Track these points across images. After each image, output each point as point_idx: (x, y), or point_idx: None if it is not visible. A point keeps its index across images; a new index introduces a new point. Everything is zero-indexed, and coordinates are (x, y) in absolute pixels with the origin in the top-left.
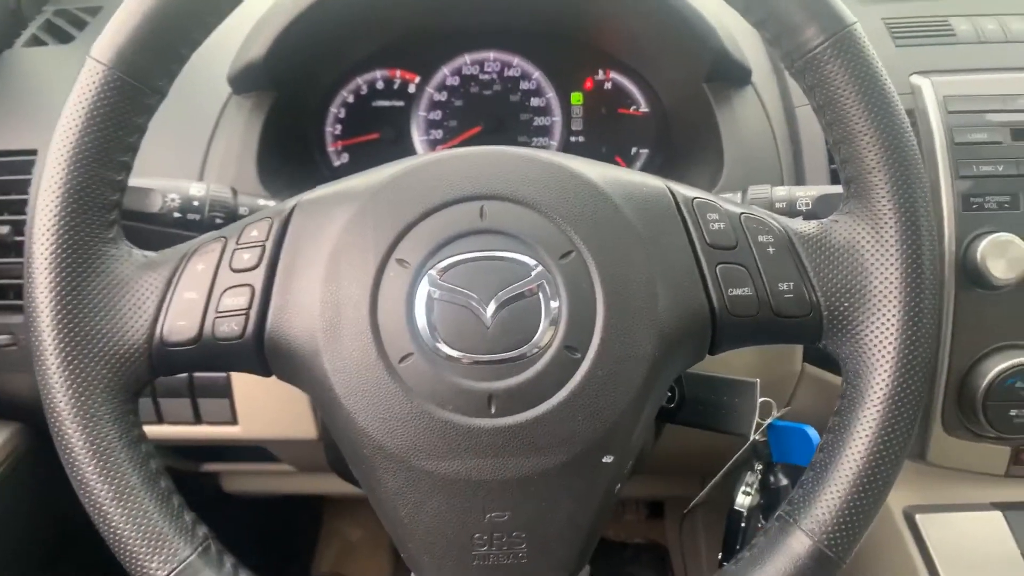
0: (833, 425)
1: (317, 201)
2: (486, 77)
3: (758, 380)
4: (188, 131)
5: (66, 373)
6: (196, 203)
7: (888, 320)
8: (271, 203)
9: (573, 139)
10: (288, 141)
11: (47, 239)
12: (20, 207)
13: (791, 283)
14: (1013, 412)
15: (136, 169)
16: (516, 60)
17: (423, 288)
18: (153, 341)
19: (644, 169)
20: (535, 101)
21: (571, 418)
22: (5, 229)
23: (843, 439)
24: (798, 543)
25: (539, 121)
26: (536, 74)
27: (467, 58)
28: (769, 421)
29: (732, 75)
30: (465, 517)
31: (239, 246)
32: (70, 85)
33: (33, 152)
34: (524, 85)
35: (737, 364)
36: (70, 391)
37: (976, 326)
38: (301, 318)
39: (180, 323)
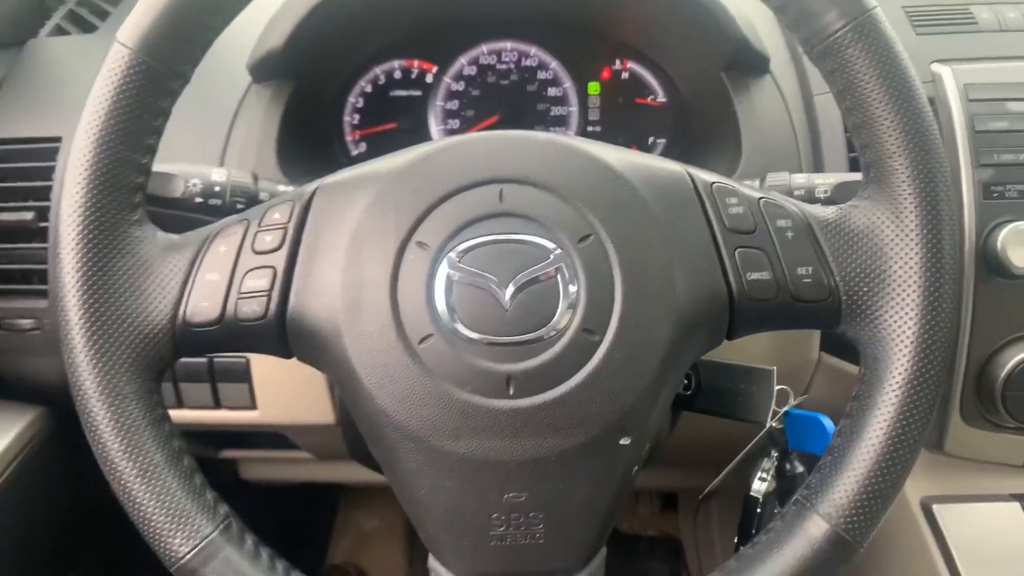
0: (851, 410)
1: (338, 184)
2: (503, 67)
3: (775, 368)
4: (209, 118)
5: (92, 352)
6: (218, 188)
7: (907, 305)
8: (291, 189)
9: (590, 129)
10: (307, 130)
11: (74, 220)
12: (45, 193)
13: (810, 267)
14: None
15: (158, 155)
16: (533, 50)
17: (443, 270)
18: (177, 322)
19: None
20: (552, 91)
21: (589, 400)
22: (30, 215)
23: (861, 424)
24: (815, 527)
25: (556, 111)
26: (553, 64)
27: (484, 48)
28: (786, 409)
29: (751, 64)
30: (483, 498)
31: (261, 228)
32: (93, 74)
33: (57, 139)
34: (541, 75)
35: (754, 352)
36: (96, 369)
37: (996, 315)
38: (322, 299)
39: (203, 304)
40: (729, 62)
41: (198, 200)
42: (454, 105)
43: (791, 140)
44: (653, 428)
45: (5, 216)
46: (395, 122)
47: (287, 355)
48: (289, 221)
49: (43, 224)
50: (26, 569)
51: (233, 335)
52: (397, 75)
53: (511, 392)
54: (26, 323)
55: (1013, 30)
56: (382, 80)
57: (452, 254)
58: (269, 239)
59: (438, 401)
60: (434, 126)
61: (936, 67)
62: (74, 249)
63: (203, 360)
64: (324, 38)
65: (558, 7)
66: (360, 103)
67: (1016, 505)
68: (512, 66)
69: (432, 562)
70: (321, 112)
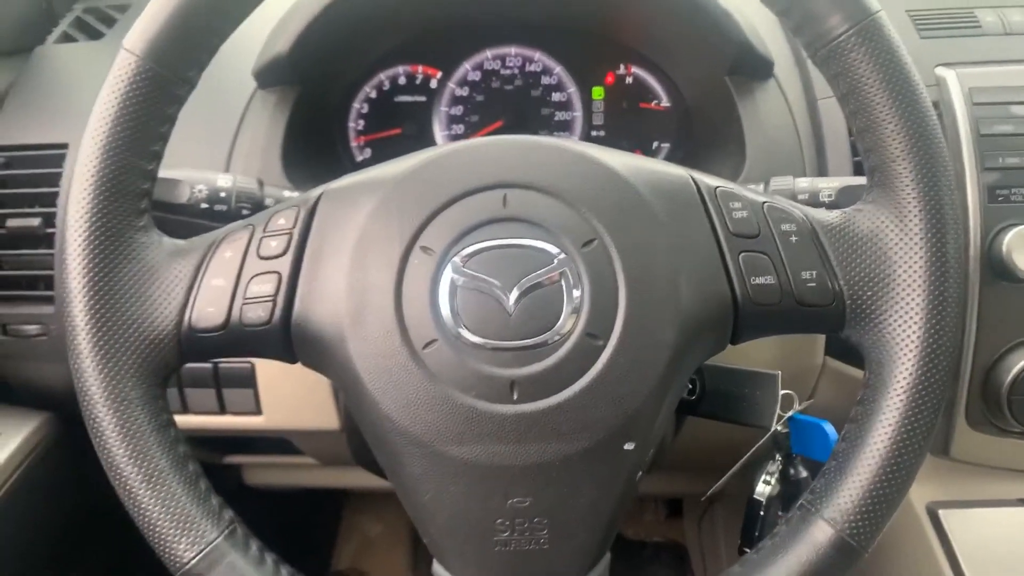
0: (856, 415)
1: (343, 190)
2: (507, 72)
3: (779, 372)
4: (215, 124)
5: (98, 357)
6: (223, 194)
7: (912, 309)
8: (296, 194)
9: (594, 133)
10: (312, 135)
11: (80, 225)
12: (51, 200)
13: (814, 272)
14: None
15: (164, 161)
16: (537, 55)
17: (447, 275)
18: (182, 327)
19: None
20: (556, 96)
21: (593, 405)
22: (36, 221)
23: (866, 428)
24: (820, 532)
25: (560, 116)
26: (557, 69)
27: (488, 53)
28: (790, 414)
29: (755, 68)
30: (487, 502)
31: (266, 234)
32: (100, 80)
33: (64, 146)
34: (545, 80)
35: (758, 357)
36: (101, 375)
37: (1001, 320)
38: (327, 304)
39: (208, 309)
40: (733, 66)
41: (204, 206)
42: (458, 110)
43: (795, 144)
44: (657, 433)
45: (12, 222)
46: (400, 128)
47: (292, 360)
48: (294, 226)
49: (49, 230)
50: (30, 573)
51: (238, 340)
52: (402, 81)
53: (515, 397)
54: (32, 329)
55: (1017, 33)
56: (387, 86)
57: (456, 259)
58: (274, 244)
59: (442, 406)
60: (438, 131)
61: (940, 71)
62: (80, 255)
63: (208, 365)
64: (329, 44)
65: (562, 12)
66: (365, 109)
67: (1022, 510)
68: (516, 71)
69: (436, 567)
70: (326, 118)
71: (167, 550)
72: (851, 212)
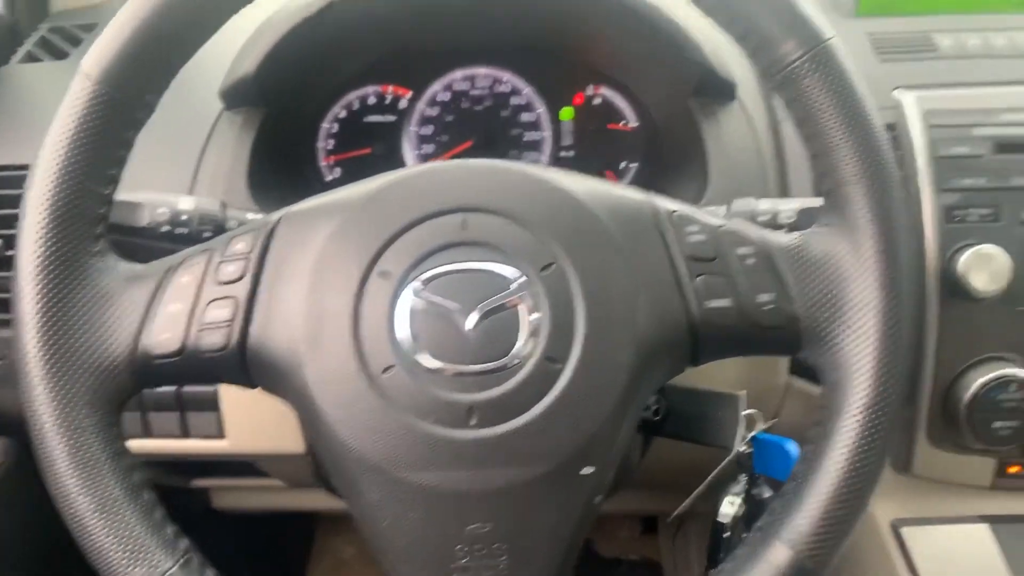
0: (813, 436)
1: (301, 214)
2: (477, 92)
3: (743, 393)
4: (179, 146)
5: (49, 384)
6: (184, 217)
7: (865, 331)
8: (260, 217)
9: (563, 154)
10: (280, 156)
11: (33, 251)
12: (12, 222)
13: (770, 294)
14: (997, 424)
15: (126, 183)
16: (507, 76)
17: (405, 300)
18: (136, 354)
19: (633, 183)
20: (525, 116)
21: (552, 429)
22: None
23: (822, 450)
24: (777, 553)
25: (529, 136)
26: (527, 90)
27: (459, 74)
28: (753, 433)
29: (717, 90)
30: (446, 528)
31: (224, 259)
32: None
33: (26, 167)
34: (514, 100)
35: (722, 376)
36: (53, 403)
37: (960, 338)
38: (284, 330)
39: (164, 336)
40: (696, 88)
41: (165, 229)
42: (428, 130)
43: (759, 165)
44: (617, 456)
45: None
46: (369, 147)
47: (251, 385)
48: (252, 251)
49: (10, 252)
50: None
51: (194, 366)
52: (372, 100)
53: (473, 422)
54: None
55: (974, 57)
56: (356, 106)
57: (415, 283)
58: (232, 269)
59: (400, 432)
60: (408, 151)
61: (899, 93)
62: (32, 280)
63: (171, 389)
64: (297, 65)
65: (531, 34)
66: (334, 129)
67: (984, 526)
68: (486, 92)
69: None
70: (294, 138)
71: None
72: (807, 235)
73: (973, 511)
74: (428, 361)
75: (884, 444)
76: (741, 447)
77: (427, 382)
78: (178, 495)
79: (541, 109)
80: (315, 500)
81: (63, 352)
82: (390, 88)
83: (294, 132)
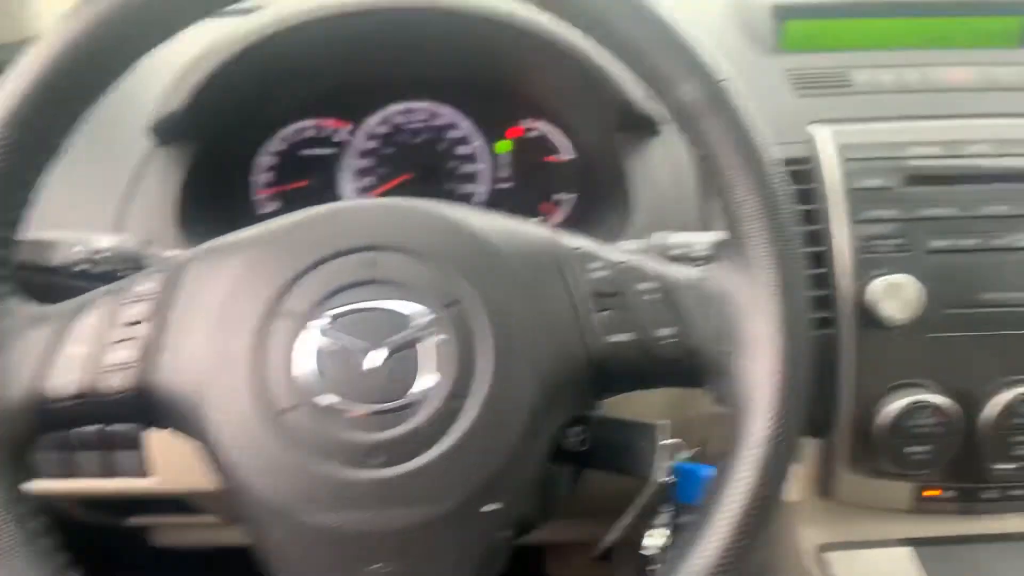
0: (717, 468)
1: (209, 252)
2: (415, 126)
3: (663, 422)
4: (107, 182)
5: None
6: (102, 256)
7: (762, 365)
8: (170, 255)
9: (501, 186)
10: (213, 191)
11: None
12: None
13: (671, 329)
14: (912, 449)
15: (50, 221)
16: (445, 109)
17: (309, 339)
18: (34, 398)
19: (571, 214)
20: (462, 149)
21: (454, 467)
22: None
23: (721, 483)
24: None
25: (467, 168)
26: (464, 123)
27: (397, 107)
28: (674, 463)
29: (640, 125)
30: (349, 569)
31: (131, 299)
32: None
33: None
34: (452, 134)
35: (649, 404)
36: None
37: (876, 366)
38: (186, 371)
39: (63, 378)
40: (621, 124)
41: (80, 268)
42: (367, 163)
43: (681, 199)
44: (525, 491)
45: None
46: (307, 180)
47: (158, 427)
48: (159, 291)
49: None
50: None
51: (97, 409)
52: (310, 134)
53: (376, 462)
54: None
55: (888, 92)
56: (293, 139)
57: (319, 322)
58: (136, 310)
59: (301, 474)
60: (346, 184)
61: (814, 128)
62: None
63: (94, 427)
64: (231, 99)
65: (468, 68)
66: (271, 162)
67: (906, 549)
68: (424, 125)
69: None
70: (229, 173)
71: None
72: (708, 270)
73: (895, 534)
74: (331, 400)
75: (781, 478)
76: (664, 477)
77: (329, 422)
78: (115, 535)
79: (478, 142)
80: None
81: None
82: (327, 121)
83: (228, 166)
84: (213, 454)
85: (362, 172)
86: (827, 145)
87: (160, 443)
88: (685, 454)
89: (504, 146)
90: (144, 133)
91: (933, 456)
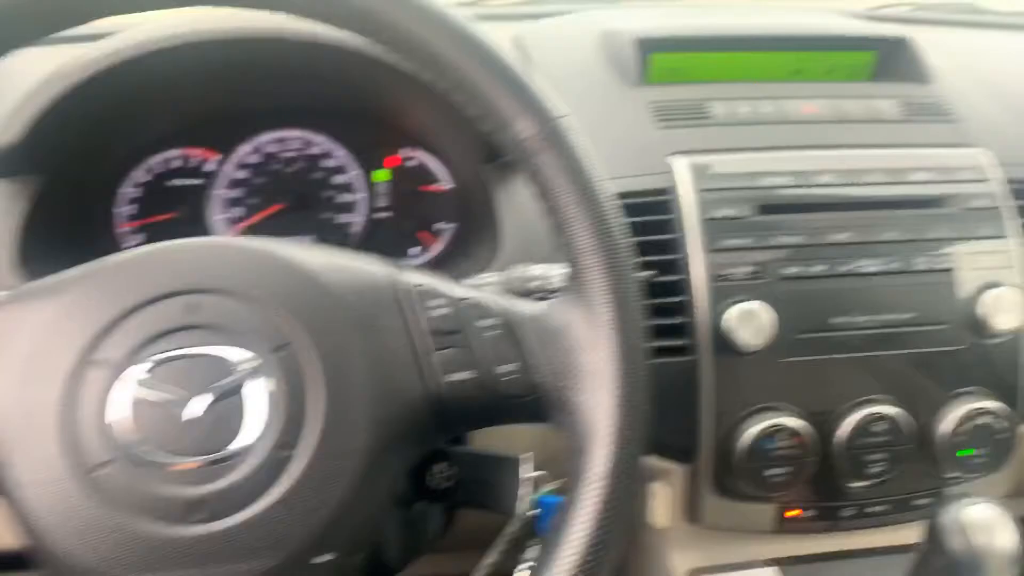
0: (562, 503)
1: (19, 297)
2: (289, 154)
3: (527, 455)
4: None
5: None
6: None
7: (601, 400)
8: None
9: (378, 215)
10: (69, 226)
11: None
12: None
13: (512, 365)
14: (769, 472)
15: None
16: (319, 138)
17: (124, 389)
18: None
19: (448, 244)
20: (339, 178)
21: (283, 519)
22: None
23: (564, 518)
24: None
25: (343, 198)
26: (340, 152)
27: (269, 136)
28: (537, 496)
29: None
30: None
31: None
32: None
33: None
34: (327, 163)
35: (519, 436)
36: None
37: (734, 391)
38: None
39: None
40: (487, 155)
41: None
42: (237, 193)
43: (547, 230)
44: (364, 539)
45: None
46: (174, 212)
47: None
48: None
49: None
50: None
51: None
52: (177, 163)
53: (198, 517)
54: None
55: (744, 123)
56: (159, 169)
57: (135, 371)
58: None
59: (116, 534)
60: (216, 215)
61: (673, 158)
62: None
63: None
64: (80, 128)
65: (342, 98)
66: (135, 193)
67: (773, 569)
68: (298, 154)
69: None
70: (85, 206)
71: None
72: (550, 304)
73: (761, 555)
74: (148, 454)
75: (622, 511)
76: (529, 510)
77: (146, 477)
78: None
79: (355, 171)
80: None
81: None
82: (196, 151)
83: (85, 199)
84: (22, 515)
85: (232, 203)
86: (684, 176)
87: None
88: (550, 486)
89: (382, 175)
90: None
91: (791, 477)
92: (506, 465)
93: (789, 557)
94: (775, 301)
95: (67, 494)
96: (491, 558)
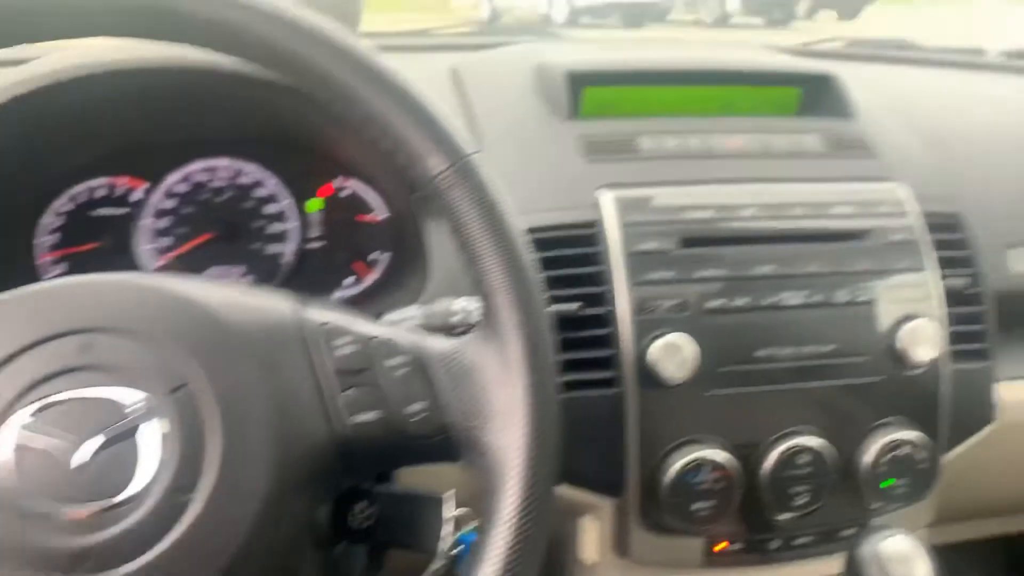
0: (475, 543)
1: None
2: (219, 184)
3: (448, 493)
4: None
5: None
6: None
7: (512, 439)
8: None
9: (311, 245)
10: None
11: None
12: None
13: (420, 404)
14: (696, 506)
15: None
16: (250, 167)
17: (8, 435)
18: None
19: (383, 275)
20: (271, 208)
21: (178, 567)
22: None
23: (476, 560)
24: None
25: (274, 228)
26: (272, 181)
27: (198, 165)
28: (458, 535)
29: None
30: None
31: None
32: None
33: None
34: (259, 192)
35: (446, 473)
36: None
37: (659, 424)
38: None
39: None
40: (414, 186)
41: None
42: (165, 223)
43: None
44: None
45: None
46: (99, 242)
47: None
48: None
49: None
50: None
51: None
52: (101, 192)
53: (85, 567)
54: None
55: (671, 157)
56: (82, 199)
57: (20, 415)
58: None
59: None
60: (142, 245)
61: (599, 192)
62: None
63: None
64: None
65: (273, 127)
66: (58, 223)
67: None
68: (228, 183)
69: None
70: (7, 235)
71: None
72: (462, 341)
73: None
74: (32, 504)
75: (532, 551)
76: (450, 549)
77: (30, 527)
78: None
79: (287, 201)
80: None
81: None
82: (122, 180)
83: (4, 229)
84: None
85: (159, 233)
86: (610, 209)
87: None
88: (473, 524)
89: (315, 204)
90: None
91: (717, 511)
92: (428, 503)
93: None
94: (699, 334)
95: None
96: None
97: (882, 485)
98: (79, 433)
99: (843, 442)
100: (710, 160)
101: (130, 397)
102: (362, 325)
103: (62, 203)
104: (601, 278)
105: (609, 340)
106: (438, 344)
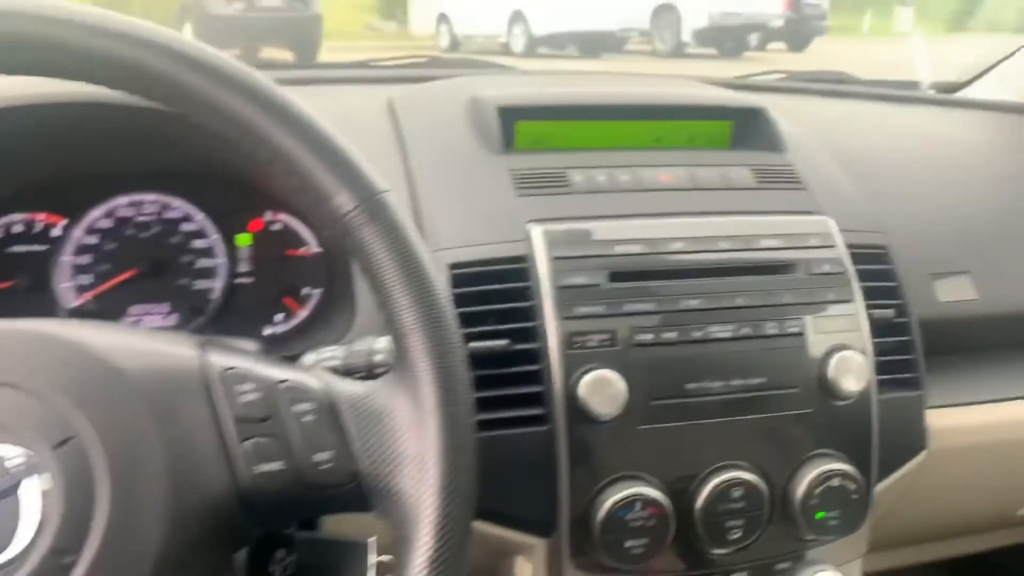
0: None
1: None
2: (144, 219)
3: (371, 538)
4: None
5: None
6: None
7: (426, 484)
8: None
9: (240, 280)
10: None
11: None
12: None
13: (328, 452)
14: (629, 543)
15: None
16: (177, 202)
17: None
18: None
19: (316, 309)
20: (198, 243)
21: None
22: None
23: None
24: None
25: (202, 263)
26: (199, 216)
27: (122, 200)
28: None
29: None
30: None
31: None
32: None
33: None
34: (186, 227)
35: (372, 520)
36: None
37: (590, 461)
38: None
39: None
40: None
41: None
42: (86, 260)
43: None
44: None
45: None
46: (14, 280)
47: None
48: None
49: None
50: None
51: None
52: (18, 228)
53: None
54: None
55: (601, 191)
56: None
57: None
58: None
59: None
60: (61, 283)
61: (529, 226)
62: None
63: None
64: None
65: (198, 161)
66: None
67: None
68: (153, 218)
69: None
70: None
71: None
72: (375, 384)
73: None
74: None
75: None
76: None
77: None
78: None
79: (215, 236)
80: None
81: None
82: (40, 215)
83: None
84: None
85: (80, 269)
86: (539, 243)
87: None
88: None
89: (244, 239)
90: None
91: (651, 548)
92: (350, 550)
93: None
94: (628, 368)
95: None
96: None
97: (816, 516)
98: None
99: (776, 475)
100: (640, 193)
101: (10, 452)
102: (270, 370)
103: None
104: (531, 313)
105: (539, 376)
106: (349, 388)
